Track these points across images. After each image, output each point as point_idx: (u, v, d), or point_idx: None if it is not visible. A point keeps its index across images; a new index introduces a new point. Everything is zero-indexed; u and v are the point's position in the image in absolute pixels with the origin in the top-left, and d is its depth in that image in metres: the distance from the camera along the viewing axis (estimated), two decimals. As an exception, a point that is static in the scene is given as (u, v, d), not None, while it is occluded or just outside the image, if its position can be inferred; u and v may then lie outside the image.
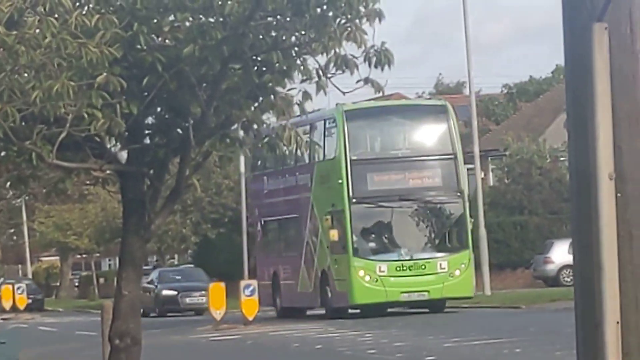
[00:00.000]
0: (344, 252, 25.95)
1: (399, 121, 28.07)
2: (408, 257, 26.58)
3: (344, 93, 10.90)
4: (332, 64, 10.23)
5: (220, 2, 9.99)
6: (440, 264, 26.34)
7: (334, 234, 25.98)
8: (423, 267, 26.13)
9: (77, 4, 10.10)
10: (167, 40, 10.45)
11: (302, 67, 10.53)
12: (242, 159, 30.42)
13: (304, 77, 10.57)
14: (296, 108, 11.29)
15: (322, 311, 28.59)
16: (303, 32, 10.26)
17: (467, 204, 26.87)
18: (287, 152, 28.07)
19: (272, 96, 10.96)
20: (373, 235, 26.54)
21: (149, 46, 10.12)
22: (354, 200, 25.60)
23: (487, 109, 73.80)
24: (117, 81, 9.63)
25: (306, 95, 10.69)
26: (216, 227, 43.56)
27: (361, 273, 25.75)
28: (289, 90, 10.96)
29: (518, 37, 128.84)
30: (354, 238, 25.79)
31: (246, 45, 10.05)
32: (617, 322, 3.77)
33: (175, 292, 39.11)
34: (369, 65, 9.89)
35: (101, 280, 59.76)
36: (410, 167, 27.12)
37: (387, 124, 27.48)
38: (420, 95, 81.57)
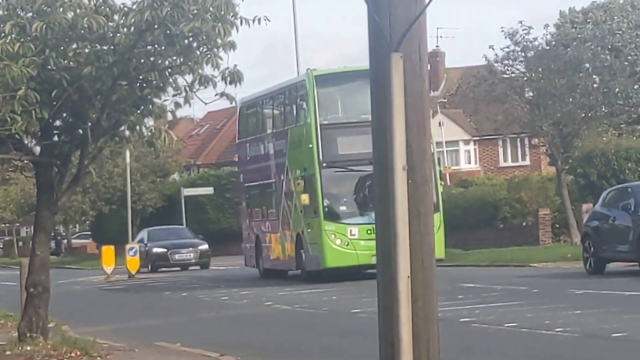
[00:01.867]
0: (315, 216, 20.02)
1: (364, 85, 22.33)
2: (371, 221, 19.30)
3: (205, 103, 11.24)
4: (196, 82, 10.28)
5: (111, 34, 9.90)
6: None
7: (305, 198, 20.03)
8: None
9: (2, 34, 9.73)
10: (71, 63, 10.20)
11: (174, 84, 10.51)
12: (127, 152, 26.72)
13: (176, 92, 10.52)
14: (169, 114, 11.96)
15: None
16: (174, 58, 10.24)
17: (437, 167, 20.89)
18: (264, 119, 24.40)
19: (150, 105, 10.93)
20: (344, 199, 20.54)
21: (57, 67, 9.86)
22: (324, 164, 19.82)
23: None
24: (33, 94, 9.64)
25: (177, 105, 10.81)
26: (108, 204, 41.58)
27: (332, 237, 19.71)
28: (164, 101, 10.91)
29: (343, 62, 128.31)
30: (325, 202, 19.92)
31: (131, 67, 9.99)
32: (408, 277, 3.63)
33: (166, 250, 31.87)
34: (225, 82, 9.92)
35: (20, 243, 57.29)
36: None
37: (357, 88, 21.07)
38: None
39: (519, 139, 38.95)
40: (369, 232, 18.87)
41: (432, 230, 4.07)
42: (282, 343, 11.55)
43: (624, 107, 29.94)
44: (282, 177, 22.14)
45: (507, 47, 28.41)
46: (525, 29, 28.25)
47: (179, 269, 31.92)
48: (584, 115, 28.48)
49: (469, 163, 42.60)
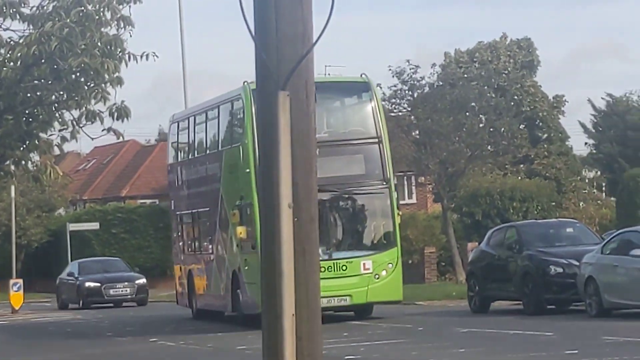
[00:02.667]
0: (254, 252, 16.44)
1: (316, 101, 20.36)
2: (326, 257, 16.70)
3: (92, 138, 11.21)
4: (83, 117, 10.30)
5: None
6: (364, 264, 17.22)
7: (241, 231, 17.07)
8: (344, 267, 17.03)
9: None
10: None
11: (60, 119, 10.53)
12: (12, 187, 25.49)
13: (62, 127, 10.51)
14: (56, 149, 11.91)
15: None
16: (62, 93, 10.20)
17: (394, 195, 17.69)
18: (196, 139, 21.28)
19: (36, 140, 10.91)
20: None
21: None
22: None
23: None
24: None
25: (63, 140, 10.92)
26: (-8, 238, 40.24)
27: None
28: (50, 135, 10.92)
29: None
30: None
31: (17, 101, 9.97)
32: (293, 315, 3.62)
33: (99, 284, 29.49)
34: (112, 118, 10.02)
35: None
36: (328, 153, 16.83)
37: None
38: (149, 141, 57.49)
39: (405, 177, 39.98)
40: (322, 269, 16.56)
41: (318, 269, 4.00)
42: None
43: (509, 147, 31.07)
44: (216, 206, 19.31)
45: (395, 86, 29.10)
46: (413, 68, 28.97)
47: (112, 305, 29.89)
48: (470, 154, 29.26)
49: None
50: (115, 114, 10.08)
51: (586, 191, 39.40)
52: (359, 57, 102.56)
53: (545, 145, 38.05)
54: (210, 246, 20.24)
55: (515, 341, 13.54)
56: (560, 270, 16.91)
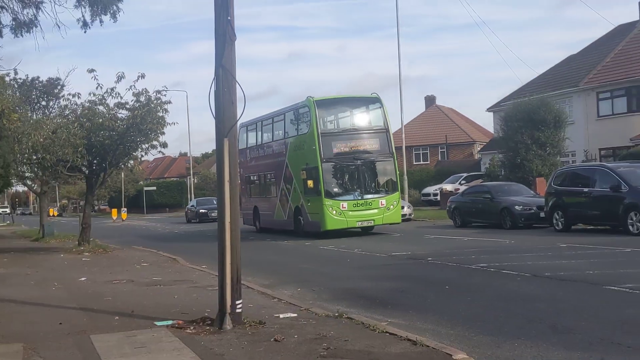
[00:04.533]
0: (317, 195, 26.49)
1: (349, 107, 28.98)
2: (360, 198, 26.72)
3: (153, 155, 26.21)
4: (150, 147, 25.28)
5: (117, 128, 24.40)
6: (381, 202, 26.81)
7: (310, 183, 26.81)
8: (370, 204, 26.69)
9: (73, 126, 23.99)
10: (100, 138, 24.76)
11: (140, 147, 25.37)
12: (122, 173, 54.27)
13: (141, 151, 25.62)
14: (139, 159, 26.30)
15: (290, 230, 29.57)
16: (143, 138, 24.92)
17: (395, 162, 27.68)
18: (262, 133, 33.01)
19: (131, 155, 26.16)
20: (337, 183, 26.89)
21: (95, 140, 24.24)
22: (324, 160, 26.37)
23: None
24: (84, 149, 23.88)
25: (141, 156, 28.03)
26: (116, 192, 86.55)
27: (330, 209, 26.29)
28: (136, 153, 26.20)
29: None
30: (325, 185, 26.33)
31: (125, 140, 24.56)
32: (230, 226, 9.97)
33: (206, 210, 50.13)
34: (161, 147, 25.28)
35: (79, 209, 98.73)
36: (359, 138, 27.42)
37: (342, 109, 28.97)
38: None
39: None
40: (354, 205, 26.51)
41: (237, 208, 10.12)
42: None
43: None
44: (281, 170, 29.64)
45: None
46: None
47: (212, 221, 44.76)
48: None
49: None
50: (162, 147, 24.51)
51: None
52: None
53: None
54: (274, 192, 30.88)
55: (475, 245, 18.16)
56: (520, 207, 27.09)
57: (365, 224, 26.87)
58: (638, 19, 45.58)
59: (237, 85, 9.67)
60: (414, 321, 9.85)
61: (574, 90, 43.17)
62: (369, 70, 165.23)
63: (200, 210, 50.98)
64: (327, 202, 26.32)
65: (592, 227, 24.28)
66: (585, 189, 23.73)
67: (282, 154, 29.79)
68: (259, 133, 33.53)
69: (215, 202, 46.85)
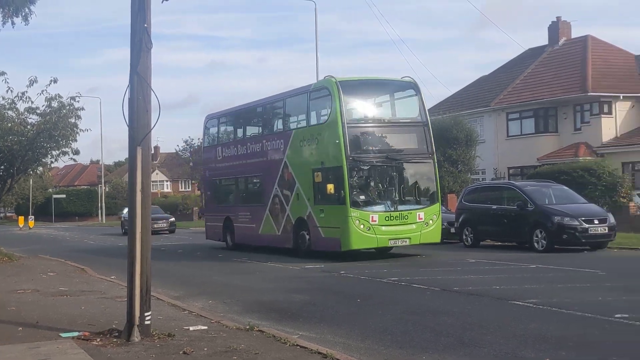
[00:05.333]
0: (338, 204, 20.47)
1: (379, 92, 22.77)
2: (394, 209, 20.63)
3: (64, 162, 25.61)
4: (60, 153, 25.16)
5: (26, 133, 24.55)
6: (419, 215, 20.92)
7: (330, 187, 20.64)
8: (406, 217, 20.73)
9: None
10: (8, 144, 24.26)
11: (49, 154, 25.44)
12: (30, 179, 57.62)
13: (51, 157, 25.62)
14: (48, 166, 26.44)
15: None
16: (53, 144, 24.62)
17: (436, 164, 21.80)
18: (239, 128, 27.14)
19: (40, 161, 26.43)
20: (365, 189, 20.79)
21: (2, 146, 23.57)
22: (350, 158, 20.31)
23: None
24: None
25: (51, 162, 27.86)
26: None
27: (356, 222, 20.13)
28: (44, 159, 26.11)
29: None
30: (351, 191, 20.30)
31: (34, 146, 24.40)
32: (140, 238, 9.77)
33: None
34: (73, 154, 26.10)
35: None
36: (394, 131, 21.59)
37: (371, 94, 22.51)
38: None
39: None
40: (387, 218, 20.45)
41: (149, 217, 10.09)
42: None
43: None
44: (276, 171, 23.57)
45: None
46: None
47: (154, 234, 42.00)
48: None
49: (168, 189, 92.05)
50: (73, 153, 24.45)
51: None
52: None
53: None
54: (261, 199, 24.65)
55: (387, 259, 14.97)
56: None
57: (399, 242, 20.93)
58: (547, 43, 47.22)
59: (152, 93, 9.52)
60: (325, 334, 9.85)
61: (485, 110, 44.32)
62: (289, 83, 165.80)
63: None
64: (354, 212, 20.24)
65: (500, 243, 24.92)
66: (494, 206, 24.38)
67: (279, 150, 23.74)
68: (239, 125, 27.56)
69: (159, 212, 45.80)
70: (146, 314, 9.32)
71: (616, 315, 10.33)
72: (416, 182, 21.41)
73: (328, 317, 11.29)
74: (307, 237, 22.00)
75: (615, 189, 31.33)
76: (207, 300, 13.76)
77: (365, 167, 20.83)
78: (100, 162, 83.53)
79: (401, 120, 22.03)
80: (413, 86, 22.03)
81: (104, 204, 75.15)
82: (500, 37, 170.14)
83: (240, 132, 27.38)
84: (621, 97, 39.11)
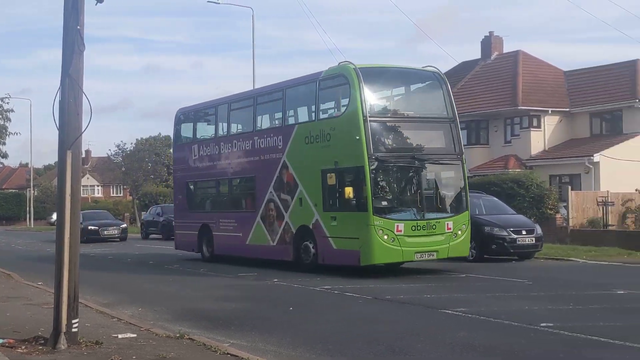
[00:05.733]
0: (357, 210, 17.60)
1: (403, 83, 20.05)
2: (420, 217, 17.87)
3: None
4: None
5: None
6: (448, 224, 18.27)
7: (348, 191, 17.90)
8: (434, 227, 17.99)
9: None
10: None
11: None
12: None
13: None
14: None
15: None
16: None
17: (464, 166, 19.19)
18: (224, 122, 23.69)
19: None
20: (388, 194, 17.98)
21: None
22: (373, 157, 17.37)
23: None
24: None
25: None
26: None
27: (379, 232, 17.26)
28: None
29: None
30: (374, 196, 17.34)
31: None
32: (69, 244, 9.54)
33: (97, 227, 39.57)
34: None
35: None
36: (419, 128, 18.94)
37: (393, 85, 19.81)
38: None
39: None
40: (413, 228, 17.70)
41: (78, 224, 9.71)
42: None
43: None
44: (272, 172, 20.67)
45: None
46: None
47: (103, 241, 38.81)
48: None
49: (99, 194, 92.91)
50: (1, 157, 21.25)
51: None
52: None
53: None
54: (251, 204, 21.93)
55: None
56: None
57: (425, 256, 18.16)
58: (480, 57, 48.13)
59: (84, 96, 9.34)
60: (256, 342, 9.79)
61: (419, 121, 44.74)
62: (225, 89, 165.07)
63: (89, 227, 38.92)
64: (377, 221, 17.32)
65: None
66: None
67: (276, 149, 20.75)
68: (222, 120, 24.00)
69: (109, 218, 43.27)
70: (73, 321, 9.11)
71: (542, 324, 10.54)
72: (444, 187, 18.89)
73: (260, 325, 11.22)
74: (313, 248, 19.21)
75: (542, 200, 32.05)
76: (137, 308, 13.53)
77: (389, 169, 18.11)
78: (30, 165, 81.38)
79: (427, 116, 19.31)
80: (438, 77, 19.45)
81: (32, 208, 73.31)
82: (435, 50, 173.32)
83: (223, 127, 23.96)
84: (549, 112, 40.10)
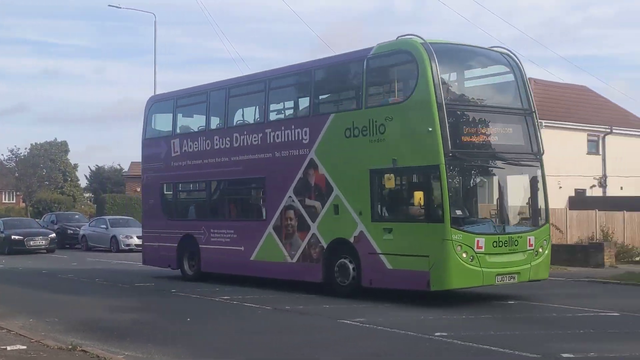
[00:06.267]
0: (427, 221, 13.85)
1: (475, 65, 16.30)
2: (501, 231, 14.44)
3: None
4: None
5: None
6: (529, 240, 14.78)
7: (418, 197, 13.96)
8: (515, 243, 14.49)
9: None
10: None
11: None
12: None
13: None
14: None
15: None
16: None
17: (544, 169, 15.50)
18: (228, 113, 19.16)
19: None
20: (464, 202, 14.55)
21: None
22: (450, 154, 13.75)
23: None
24: None
25: None
26: None
27: (458, 249, 13.58)
28: None
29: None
30: (451, 203, 13.64)
31: None
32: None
33: (22, 236, 34.04)
34: None
35: None
36: (497, 120, 14.97)
37: (466, 67, 16.22)
38: None
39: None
40: (494, 244, 14.18)
41: None
42: None
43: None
44: (293, 172, 16.61)
45: None
46: None
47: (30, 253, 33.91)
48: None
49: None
50: None
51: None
52: None
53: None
54: (260, 212, 18.03)
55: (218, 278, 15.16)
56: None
57: (506, 279, 14.51)
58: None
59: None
60: (152, 354, 9.60)
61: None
62: (126, 95, 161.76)
63: (13, 237, 33.91)
64: (455, 234, 13.62)
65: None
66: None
67: (299, 143, 16.62)
68: (217, 110, 19.55)
69: (34, 226, 36.77)
70: (-41, 333, 8.55)
71: (436, 334, 10.78)
72: (524, 194, 15.40)
73: (157, 336, 11.01)
74: (352, 268, 15.41)
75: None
76: (28, 318, 13.05)
77: (467, 170, 14.64)
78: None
79: (504, 106, 15.48)
80: (512, 60, 15.81)
81: None
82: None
83: (218, 117, 19.68)
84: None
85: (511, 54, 15.88)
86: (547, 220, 15.49)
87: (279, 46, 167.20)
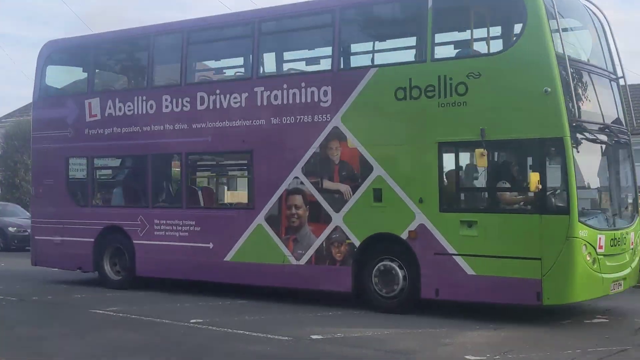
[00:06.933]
0: (542, 211, 10.14)
1: (578, 17, 11.96)
2: (614, 226, 10.99)
3: None
4: None
5: None
6: (631, 237, 11.35)
7: (535, 180, 9.96)
8: (624, 242, 11.00)
9: None
10: None
11: None
12: None
13: None
14: None
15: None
16: None
17: (631, 147, 11.94)
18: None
19: None
20: (589, 187, 10.99)
21: None
22: (573, 125, 10.11)
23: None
24: None
25: None
26: None
27: (583, 249, 10.02)
28: None
29: None
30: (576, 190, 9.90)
31: None
32: None
33: None
34: None
35: None
36: (603, 86, 11.46)
37: (565, 17, 11.34)
38: None
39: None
40: (612, 243, 10.75)
41: None
42: None
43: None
44: (304, 144, 12.33)
45: None
46: None
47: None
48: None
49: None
50: None
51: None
52: None
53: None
54: (244, 196, 14.03)
55: None
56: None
57: (616, 288, 10.99)
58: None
59: None
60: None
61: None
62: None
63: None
64: (582, 231, 10.11)
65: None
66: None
67: (315, 107, 12.30)
68: (166, 60, 15.09)
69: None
70: None
71: (192, 321, 10.74)
72: (622, 179, 11.97)
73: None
74: (402, 274, 11.51)
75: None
76: None
77: (589, 147, 10.69)
78: None
79: (602, 68, 11.90)
80: (596, 15, 12.21)
81: None
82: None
83: (167, 71, 15.23)
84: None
85: (596, 6, 12.30)
86: (637, 212, 12.03)
87: (39, 23, 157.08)
